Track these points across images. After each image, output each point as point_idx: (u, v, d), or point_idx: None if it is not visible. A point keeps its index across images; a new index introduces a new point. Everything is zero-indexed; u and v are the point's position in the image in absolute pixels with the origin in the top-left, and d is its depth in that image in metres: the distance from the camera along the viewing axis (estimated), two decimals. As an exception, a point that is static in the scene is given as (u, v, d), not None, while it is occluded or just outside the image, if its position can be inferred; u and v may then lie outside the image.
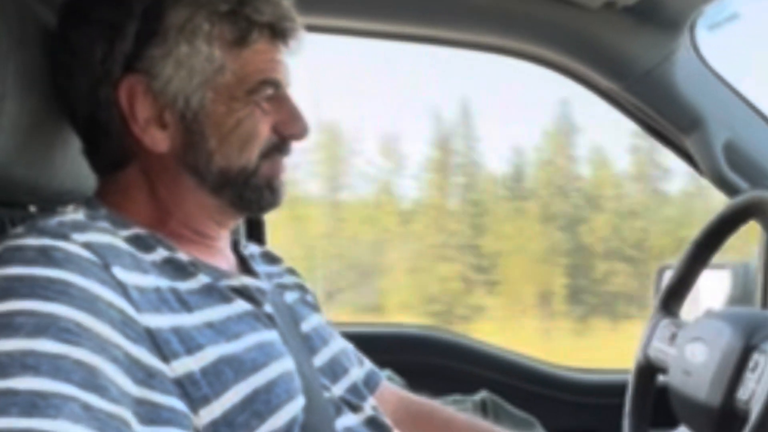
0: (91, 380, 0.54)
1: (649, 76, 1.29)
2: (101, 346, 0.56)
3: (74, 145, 0.84)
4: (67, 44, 0.75)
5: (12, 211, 0.82)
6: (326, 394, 0.81)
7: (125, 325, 0.59)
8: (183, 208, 0.77)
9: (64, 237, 0.61)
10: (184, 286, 0.69)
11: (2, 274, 0.57)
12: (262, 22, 0.76)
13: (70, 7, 0.76)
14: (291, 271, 0.97)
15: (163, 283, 0.67)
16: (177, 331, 0.63)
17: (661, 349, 1.26)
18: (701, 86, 1.33)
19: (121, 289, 0.61)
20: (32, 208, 0.90)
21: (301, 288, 0.95)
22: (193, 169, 0.76)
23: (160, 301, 0.64)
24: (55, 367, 0.53)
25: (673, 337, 1.24)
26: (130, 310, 0.61)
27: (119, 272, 0.62)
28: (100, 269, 0.61)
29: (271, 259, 0.96)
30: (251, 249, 0.93)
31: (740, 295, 1.52)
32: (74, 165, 0.85)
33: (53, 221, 0.64)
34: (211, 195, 0.77)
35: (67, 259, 0.59)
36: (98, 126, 0.75)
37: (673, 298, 1.34)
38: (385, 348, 1.12)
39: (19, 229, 0.63)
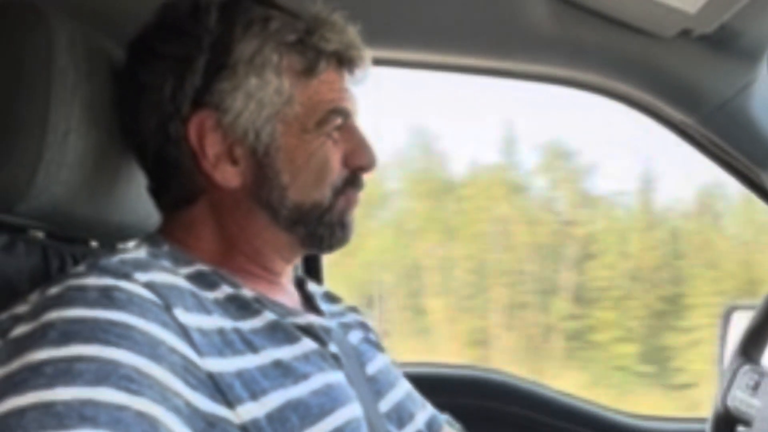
0: None
1: (725, 108, 1.22)
2: (162, 395, 0.53)
3: (136, 181, 0.82)
4: (136, 81, 0.74)
5: (73, 247, 0.81)
6: None
7: (186, 371, 0.57)
8: (252, 244, 0.75)
9: (126, 276, 0.59)
10: (248, 325, 0.66)
11: (65, 317, 0.55)
12: (329, 51, 0.74)
13: (138, 43, 0.75)
14: (352, 309, 0.94)
15: (227, 323, 0.64)
16: (240, 375, 0.60)
17: (742, 400, 1.17)
18: (782, 119, 1.25)
19: (183, 332, 0.59)
20: (93, 244, 0.89)
21: (363, 326, 0.91)
22: (266, 205, 0.74)
23: (224, 343, 0.62)
24: (114, 418, 0.50)
25: (756, 387, 1.16)
26: (191, 354, 0.58)
27: (181, 314, 0.60)
28: (161, 311, 0.58)
29: (331, 298, 0.93)
30: (312, 288, 0.90)
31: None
32: (137, 200, 0.84)
33: (115, 259, 0.62)
34: (283, 231, 0.75)
35: (130, 300, 0.57)
36: (167, 163, 0.74)
37: (753, 342, 1.26)
38: (441, 390, 1.07)
39: (81, 268, 0.62)
